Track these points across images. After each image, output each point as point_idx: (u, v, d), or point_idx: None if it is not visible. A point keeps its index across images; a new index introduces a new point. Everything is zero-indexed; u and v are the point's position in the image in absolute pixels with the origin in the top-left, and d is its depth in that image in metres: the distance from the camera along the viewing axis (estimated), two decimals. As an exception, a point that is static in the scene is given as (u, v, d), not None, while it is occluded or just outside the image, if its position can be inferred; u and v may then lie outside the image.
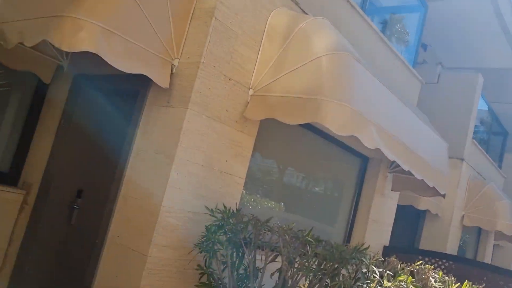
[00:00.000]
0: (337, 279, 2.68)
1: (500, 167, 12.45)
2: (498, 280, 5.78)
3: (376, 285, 2.55)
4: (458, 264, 6.09)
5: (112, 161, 3.72)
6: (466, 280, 3.14)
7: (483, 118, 12.40)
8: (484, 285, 4.05)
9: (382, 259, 3.00)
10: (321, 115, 3.41)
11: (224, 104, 3.58)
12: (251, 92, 3.75)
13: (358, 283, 2.64)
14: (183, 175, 3.34)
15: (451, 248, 9.14)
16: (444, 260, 6.21)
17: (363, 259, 2.68)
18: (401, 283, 2.58)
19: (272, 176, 5.09)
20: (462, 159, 9.08)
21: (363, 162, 6.25)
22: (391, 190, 6.41)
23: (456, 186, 9.01)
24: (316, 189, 5.93)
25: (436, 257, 6.35)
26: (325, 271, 2.71)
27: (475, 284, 3.41)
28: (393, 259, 3.08)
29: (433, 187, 5.48)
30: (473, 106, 9.33)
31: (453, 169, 9.11)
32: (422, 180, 5.35)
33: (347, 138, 5.12)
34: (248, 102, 3.76)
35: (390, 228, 6.69)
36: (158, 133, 3.47)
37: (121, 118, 3.84)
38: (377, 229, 6.33)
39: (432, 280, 3.00)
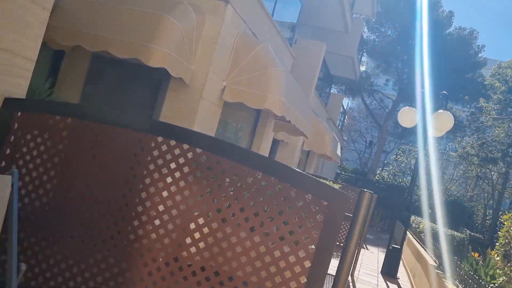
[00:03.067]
0: None
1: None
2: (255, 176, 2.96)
3: None
4: (211, 154, 3.00)
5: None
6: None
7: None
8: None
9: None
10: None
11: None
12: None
13: None
14: None
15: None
16: (187, 146, 3.01)
17: None
18: None
19: None
20: (227, 1, 6.01)
21: None
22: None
23: (214, 41, 5.97)
24: None
25: (173, 138, 3.10)
26: None
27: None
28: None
29: None
30: None
31: (212, 15, 6.01)
32: None
33: None
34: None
35: (31, 67, 3.21)
36: None
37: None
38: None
39: None
